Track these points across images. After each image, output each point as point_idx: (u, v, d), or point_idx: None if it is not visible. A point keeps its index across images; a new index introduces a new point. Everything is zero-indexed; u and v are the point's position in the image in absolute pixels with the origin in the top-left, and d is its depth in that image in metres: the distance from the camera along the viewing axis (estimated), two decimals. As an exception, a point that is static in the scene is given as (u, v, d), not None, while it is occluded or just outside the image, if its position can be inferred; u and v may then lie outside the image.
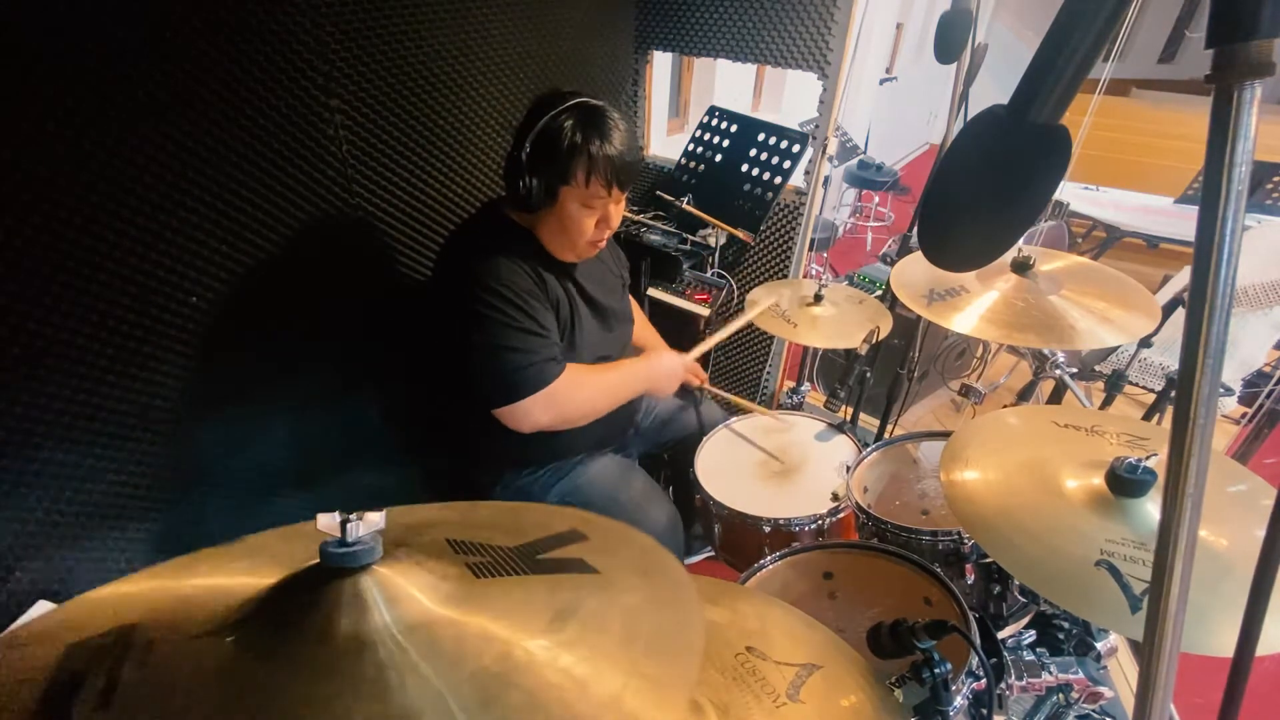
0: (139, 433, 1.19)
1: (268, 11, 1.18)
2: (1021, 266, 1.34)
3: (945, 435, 1.23)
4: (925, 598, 1.03)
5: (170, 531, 1.26)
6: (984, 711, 0.87)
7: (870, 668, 0.82)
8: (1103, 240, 3.85)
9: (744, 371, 2.37)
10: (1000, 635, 1.02)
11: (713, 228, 2.02)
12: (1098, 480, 0.87)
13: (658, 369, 1.46)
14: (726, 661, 0.80)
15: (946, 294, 1.35)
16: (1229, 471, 0.93)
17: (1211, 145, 0.37)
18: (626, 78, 2.19)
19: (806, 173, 1.93)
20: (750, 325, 1.61)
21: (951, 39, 1.58)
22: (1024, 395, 1.78)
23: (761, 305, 1.62)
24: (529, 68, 1.76)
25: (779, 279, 2.09)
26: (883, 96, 6.12)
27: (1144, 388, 2.62)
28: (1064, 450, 0.96)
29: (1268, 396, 1.82)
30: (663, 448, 1.73)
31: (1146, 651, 0.45)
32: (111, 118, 1.03)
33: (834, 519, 1.35)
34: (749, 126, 2.07)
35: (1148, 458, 0.83)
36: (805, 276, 2.08)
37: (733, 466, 1.52)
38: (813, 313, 1.61)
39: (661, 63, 2.56)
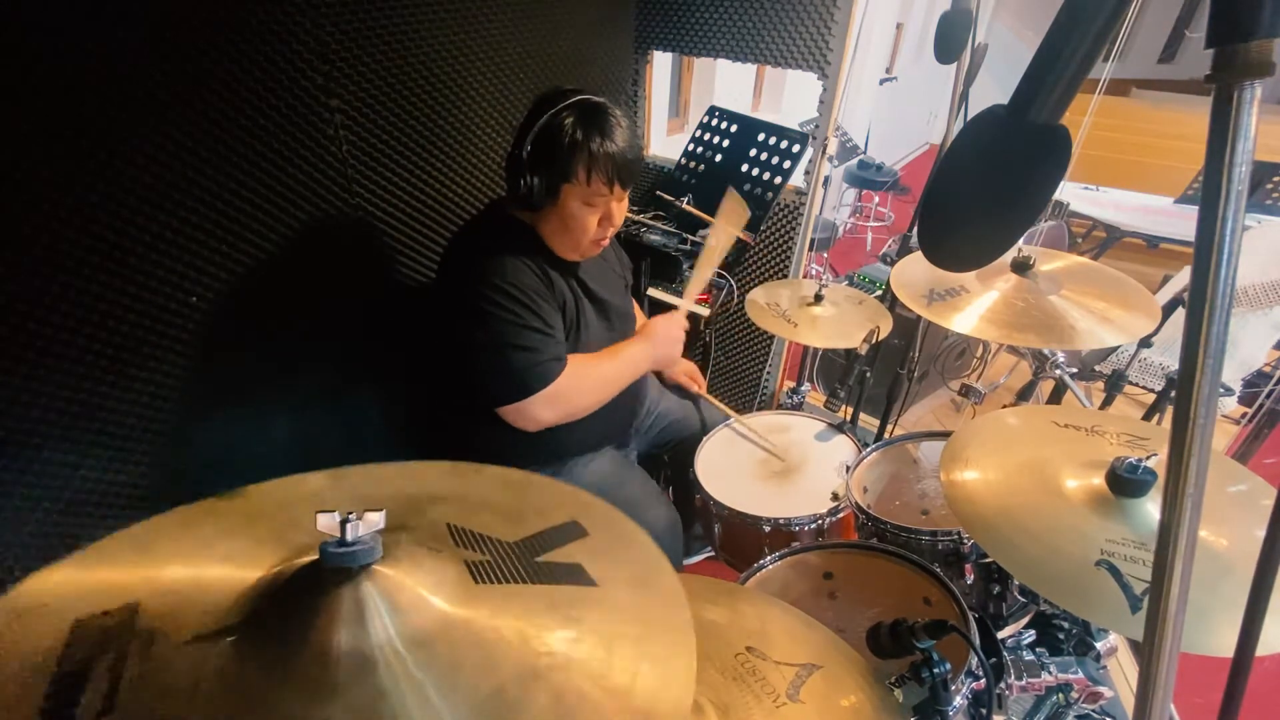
0: (139, 433, 1.19)
1: (268, 11, 1.17)
2: (1021, 266, 1.34)
3: (945, 435, 1.23)
4: (925, 598, 1.03)
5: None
6: (983, 711, 0.87)
7: (870, 668, 0.82)
8: (1103, 240, 3.85)
9: (744, 372, 2.37)
10: (1000, 635, 1.02)
11: (712, 228, 2.02)
12: (1098, 480, 0.87)
13: (655, 340, 1.43)
14: (726, 661, 0.80)
15: (946, 294, 1.35)
16: (1229, 471, 0.93)
17: (1211, 145, 0.37)
18: (626, 77, 2.19)
19: (806, 173, 1.93)
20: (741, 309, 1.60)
21: (951, 39, 1.58)
22: (1024, 395, 1.78)
23: (722, 231, 1.60)
24: (529, 67, 1.76)
25: (779, 279, 2.09)
26: (883, 96, 6.11)
27: (1144, 388, 2.62)
28: (1064, 450, 0.96)
29: (1268, 396, 1.82)
30: (663, 448, 1.73)
31: (1146, 651, 0.45)
32: (111, 117, 1.03)
33: (834, 519, 1.35)
34: (749, 126, 2.07)
35: (1148, 458, 0.83)
36: (805, 276, 2.08)
37: (733, 466, 1.52)
38: (813, 313, 1.61)
39: (661, 63, 2.56)
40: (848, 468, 1.36)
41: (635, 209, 2.17)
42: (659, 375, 1.78)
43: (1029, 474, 0.92)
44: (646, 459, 1.72)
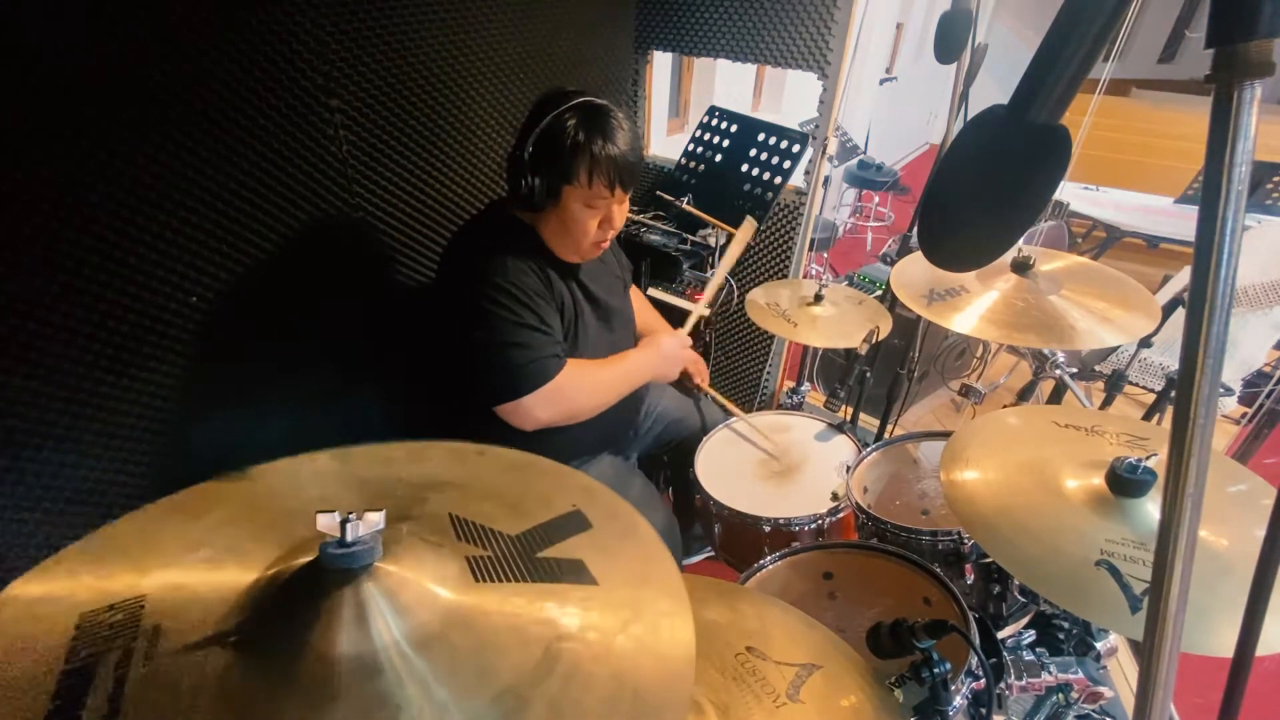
0: (139, 432, 1.19)
1: (268, 11, 1.17)
2: (1021, 266, 1.34)
3: (945, 435, 1.23)
4: (925, 598, 1.03)
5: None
6: (983, 711, 0.87)
7: (870, 668, 0.82)
8: (1103, 240, 3.85)
9: (744, 371, 2.37)
10: (1000, 635, 1.02)
11: (713, 228, 2.02)
12: (1098, 480, 0.87)
13: (659, 355, 1.45)
14: (726, 661, 0.80)
15: (946, 294, 1.35)
16: (1229, 471, 0.93)
17: (1211, 145, 0.37)
18: (626, 78, 2.19)
19: (806, 173, 1.93)
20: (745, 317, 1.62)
21: (951, 39, 1.58)
22: (1024, 395, 1.77)
23: (736, 250, 1.66)
24: (529, 68, 1.76)
25: (779, 279, 2.09)
26: (883, 96, 6.11)
27: (1144, 388, 2.62)
28: (1064, 450, 0.96)
29: (1268, 396, 1.82)
30: (663, 448, 1.73)
31: (1146, 651, 0.45)
32: (111, 117, 1.03)
33: (834, 519, 1.35)
34: (749, 126, 2.07)
35: (1148, 458, 0.83)
36: (805, 276, 2.08)
37: (733, 466, 1.51)
38: (813, 312, 1.61)
39: (661, 63, 2.56)
40: (848, 468, 1.36)
41: (635, 209, 2.18)
42: None
43: (1029, 474, 0.92)
44: (646, 459, 1.72)
